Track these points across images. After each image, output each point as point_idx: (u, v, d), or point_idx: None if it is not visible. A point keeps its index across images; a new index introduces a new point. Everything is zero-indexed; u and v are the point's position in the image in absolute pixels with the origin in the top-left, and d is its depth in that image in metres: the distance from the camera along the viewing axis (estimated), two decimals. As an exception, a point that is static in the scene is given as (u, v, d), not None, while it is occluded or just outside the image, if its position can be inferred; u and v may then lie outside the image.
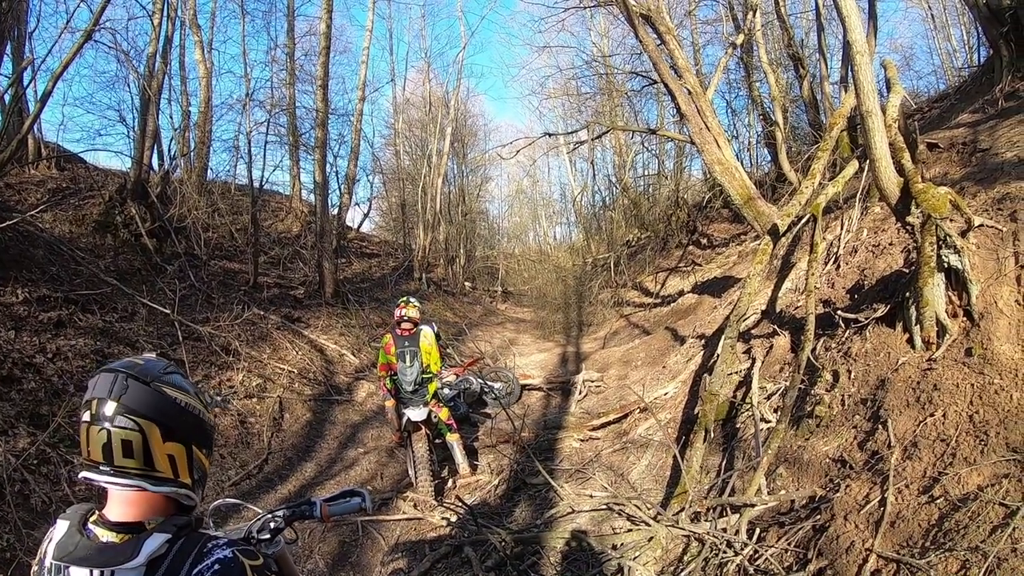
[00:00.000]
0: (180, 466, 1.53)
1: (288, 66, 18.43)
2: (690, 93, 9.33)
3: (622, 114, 20.36)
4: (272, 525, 2.26)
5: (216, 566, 1.39)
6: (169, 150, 16.95)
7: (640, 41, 9.57)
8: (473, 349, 13.75)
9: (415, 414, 6.83)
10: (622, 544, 4.53)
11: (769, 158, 15.79)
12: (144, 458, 1.45)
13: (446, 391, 8.72)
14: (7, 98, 9.94)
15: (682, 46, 10.70)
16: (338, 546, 6.04)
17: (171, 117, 18.53)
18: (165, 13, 13.85)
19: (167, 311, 9.63)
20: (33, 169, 13.99)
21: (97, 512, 1.50)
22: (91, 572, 1.39)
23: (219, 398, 1.54)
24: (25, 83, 11.88)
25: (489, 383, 9.88)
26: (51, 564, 1.43)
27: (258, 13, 30.95)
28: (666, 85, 9.51)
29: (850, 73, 5.42)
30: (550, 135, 18.31)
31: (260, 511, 2.37)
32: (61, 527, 1.48)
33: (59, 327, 8.00)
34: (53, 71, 9.15)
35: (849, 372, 4.77)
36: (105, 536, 1.44)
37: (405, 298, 7.35)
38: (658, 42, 9.72)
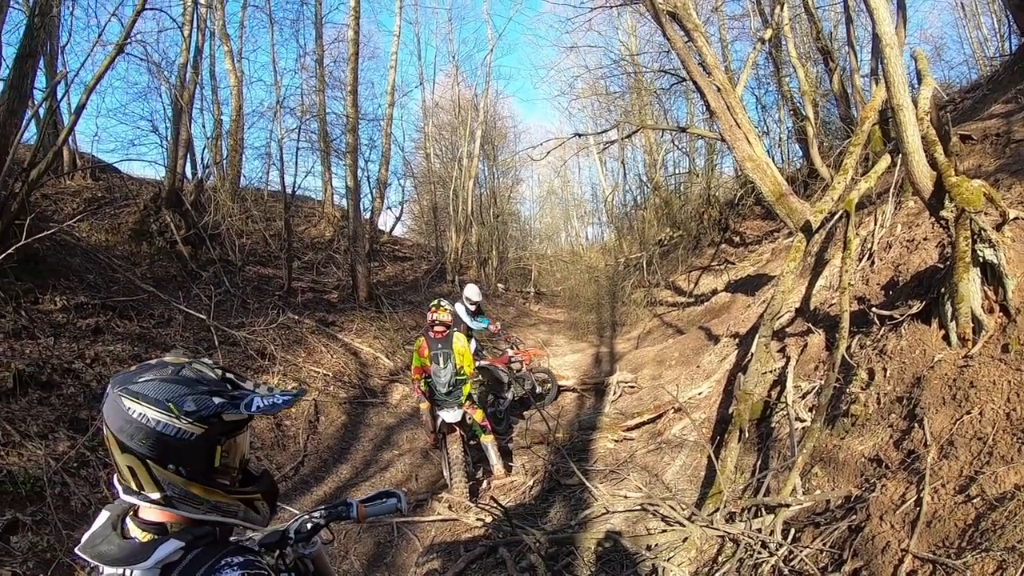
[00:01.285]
0: (141, 478, 1.48)
1: (317, 73, 18.70)
2: (719, 90, 9.26)
3: (652, 113, 20.24)
4: (309, 526, 2.31)
5: None
6: (202, 158, 17.32)
7: (668, 39, 9.53)
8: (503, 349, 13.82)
9: (449, 416, 6.87)
10: (656, 545, 4.53)
11: (800, 154, 15.58)
12: (115, 465, 1.48)
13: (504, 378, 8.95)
14: (42, 111, 10.20)
15: (710, 42, 10.62)
16: (374, 547, 6.12)
17: (203, 126, 18.82)
18: (195, 24, 14.15)
19: (203, 316, 9.89)
20: (69, 180, 14.39)
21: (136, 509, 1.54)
22: (100, 568, 1.45)
23: (262, 402, 1.42)
24: (59, 96, 12.18)
25: (536, 379, 9.92)
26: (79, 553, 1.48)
27: (286, 22, 31.36)
28: (695, 82, 9.46)
29: (880, 66, 5.35)
30: (580, 135, 18.26)
31: (297, 512, 2.43)
32: (100, 519, 1.55)
33: (97, 333, 8.23)
34: (86, 84, 9.43)
35: (884, 370, 4.71)
36: (135, 532, 1.50)
37: (437, 301, 7.40)
38: (686, 39, 9.66)
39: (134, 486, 1.48)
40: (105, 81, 11.17)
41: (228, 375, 1.61)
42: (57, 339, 7.59)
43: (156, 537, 1.48)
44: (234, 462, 1.60)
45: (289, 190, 16.19)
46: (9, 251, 6.23)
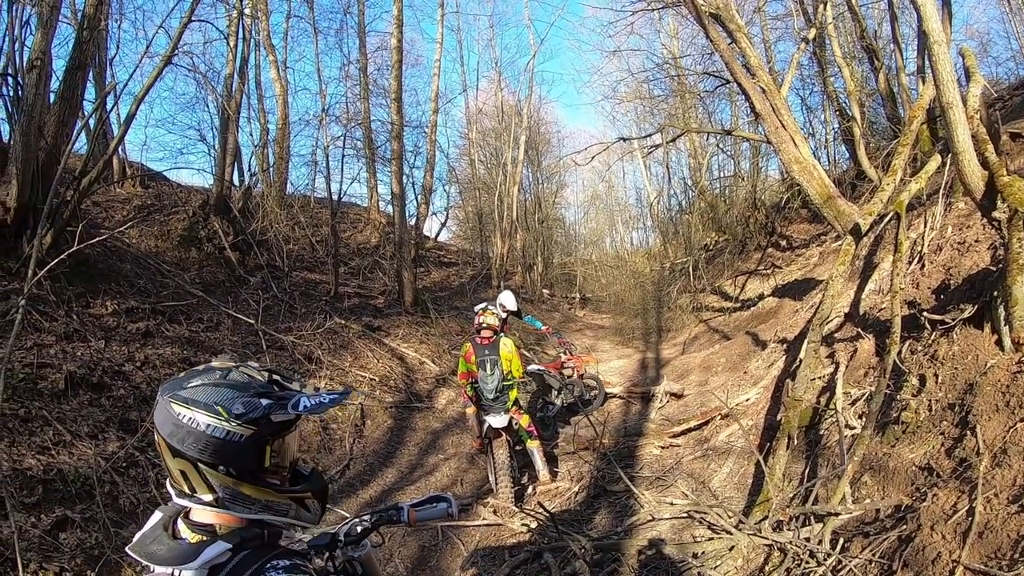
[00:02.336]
0: (194, 481, 1.53)
1: (362, 81, 18.93)
2: (764, 91, 9.14)
3: (696, 116, 20.03)
4: (359, 529, 2.38)
5: None
6: (249, 166, 17.66)
7: (711, 40, 9.44)
8: (555, 354, 13.80)
9: (496, 421, 6.87)
10: (703, 553, 4.51)
11: (847, 155, 15.15)
12: (167, 470, 1.55)
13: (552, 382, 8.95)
14: (92, 122, 10.50)
15: (753, 43, 10.49)
16: (418, 550, 6.16)
17: (250, 134, 19.37)
18: (240, 35, 14.42)
19: (251, 321, 10.11)
20: (119, 188, 14.80)
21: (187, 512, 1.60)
22: (151, 567, 1.49)
23: (309, 402, 1.43)
24: (109, 107, 12.55)
25: (585, 385, 9.92)
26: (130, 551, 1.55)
27: (330, 31, 31.88)
28: (739, 84, 9.35)
29: (927, 63, 5.26)
30: (624, 140, 18.20)
31: (346, 515, 2.49)
32: (152, 520, 1.61)
33: (147, 337, 8.44)
34: (135, 95, 9.57)
35: (936, 376, 4.61)
36: (185, 534, 1.55)
37: (484, 305, 7.45)
38: (729, 41, 9.57)
39: (187, 489, 1.54)
40: (153, 92, 11.49)
41: (275, 377, 1.66)
42: (108, 342, 7.79)
43: (205, 539, 1.53)
44: (284, 462, 1.65)
45: (335, 197, 16.49)
46: (61, 256, 6.42)
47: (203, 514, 1.58)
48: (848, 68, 13.68)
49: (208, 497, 1.54)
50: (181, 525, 1.58)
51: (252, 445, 1.54)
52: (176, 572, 1.48)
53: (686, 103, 19.46)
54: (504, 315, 9.79)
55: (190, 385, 1.54)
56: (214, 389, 1.53)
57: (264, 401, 1.54)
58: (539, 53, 29.74)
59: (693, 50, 18.35)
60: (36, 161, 7.85)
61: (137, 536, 1.58)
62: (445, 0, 22.34)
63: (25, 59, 8.01)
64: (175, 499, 1.59)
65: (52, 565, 4.59)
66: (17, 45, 8.27)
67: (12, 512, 4.65)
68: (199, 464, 1.51)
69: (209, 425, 1.49)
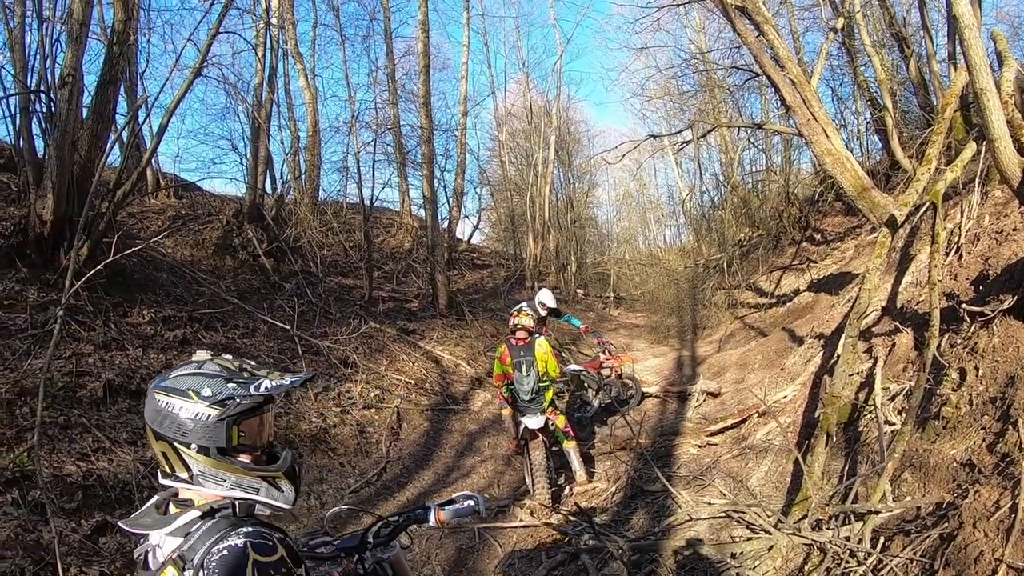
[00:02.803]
0: (172, 461, 1.72)
1: (390, 86, 19.10)
2: (794, 83, 9.02)
3: (726, 110, 19.85)
4: (387, 530, 2.40)
5: (224, 551, 1.55)
6: (281, 174, 17.93)
7: (738, 34, 9.36)
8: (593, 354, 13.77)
9: (532, 422, 6.82)
10: (741, 553, 4.47)
11: (880, 145, 14.85)
12: (154, 454, 1.77)
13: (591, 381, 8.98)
14: (125, 135, 10.71)
15: (781, 35, 10.33)
16: (455, 552, 6.16)
17: (281, 142, 19.52)
18: (268, 45, 14.67)
19: (287, 327, 10.25)
20: (153, 199, 15.15)
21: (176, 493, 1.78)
22: (146, 536, 1.70)
23: (270, 383, 1.42)
24: (140, 120, 12.84)
25: (622, 384, 9.89)
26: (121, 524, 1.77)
27: (357, 38, 32.11)
28: (768, 77, 9.25)
29: (958, 49, 5.17)
30: (654, 137, 18.08)
31: (375, 516, 2.50)
32: (148, 503, 1.81)
33: (184, 344, 8.59)
34: (166, 107, 9.82)
35: (976, 369, 4.52)
36: (173, 510, 1.74)
37: (519, 307, 7.41)
38: (756, 33, 9.45)
39: (167, 468, 1.75)
40: (184, 104, 11.70)
41: (246, 366, 1.84)
42: (145, 350, 7.96)
43: (183, 511, 1.71)
44: (256, 442, 1.80)
45: (367, 202, 16.63)
46: (98, 267, 6.55)
47: (185, 492, 1.76)
48: (878, 56, 13.43)
49: (184, 475, 1.72)
50: (171, 505, 1.76)
51: (220, 424, 1.70)
52: (159, 539, 1.66)
53: (715, 98, 19.31)
54: (544, 313, 9.80)
55: (171, 376, 1.75)
56: (189, 377, 1.73)
57: (231, 384, 1.73)
58: (566, 53, 29.78)
59: (721, 44, 18.23)
60: (71, 175, 8.03)
61: (133, 515, 1.78)
62: (470, 3, 22.51)
63: (57, 76, 8.23)
64: (160, 480, 1.78)
65: (92, 569, 4.70)
66: (48, 62, 8.52)
67: (52, 517, 4.75)
68: (175, 444, 1.70)
69: (183, 408, 1.69)
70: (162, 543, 1.66)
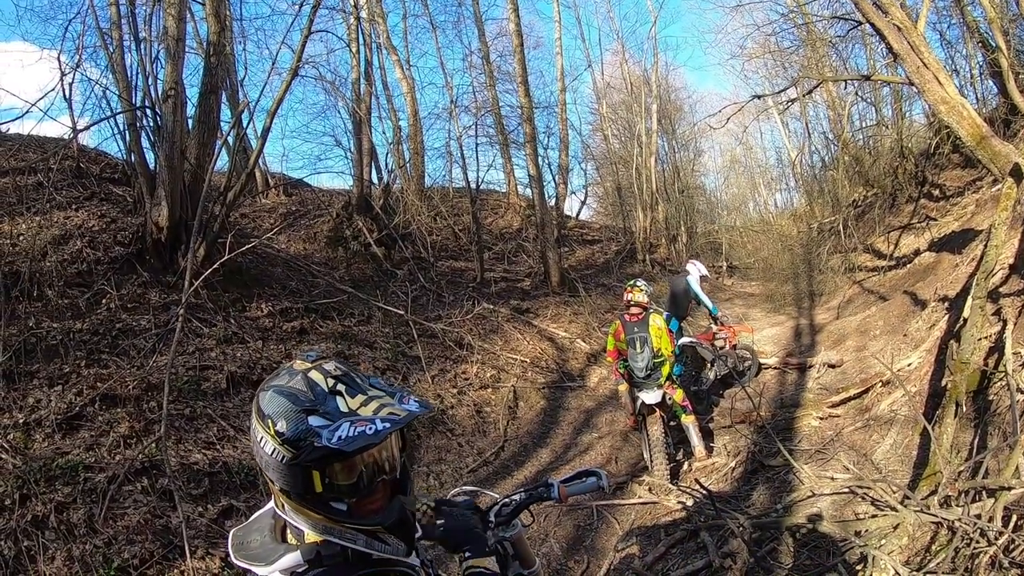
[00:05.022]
0: (271, 489, 1.46)
1: (486, 69, 19.31)
2: (899, 29, 8.51)
3: (830, 64, 18.79)
4: (510, 508, 2.39)
5: None
6: (386, 164, 18.43)
7: (836, -20, 8.94)
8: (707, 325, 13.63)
9: (649, 397, 6.77)
10: (866, 531, 4.40)
11: (995, 90, 13.77)
12: None
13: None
14: (231, 140, 11.33)
15: (882, -22, 9.78)
16: (573, 530, 6.23)
17: (384, 133, 20.22)
18: (360, 41, 15.08)
19: (401, 312, 10.66)
20: (264, 198, 16.09)
21: None
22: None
23: (347, 432, 1.33)
24: (244, 124, 13.62)
25: (738, 356, 9.82)
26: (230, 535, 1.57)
27: (447, 25, 32.41)
28: (872, 24, 8.73)
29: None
30: (758, 97, 17.34)
31: (497, 496, 2.50)
32: (265, 509, 1.61)
33: (302, 334, 9.10)
34: (268, 110, 10.30)
35: (1118, 331, 4.25)
36: (290, 539, 1.51)
37: (632, 281, 7.30)
38: (854, -23, 9.00)
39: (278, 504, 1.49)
40: (285, 105, 12.39)
41: (339, 388, 1.43)
42: (265, 342, 8.42)
43: (293, 543, 1.48)
44: (358, 484, 1.43)
45: (473, 185, 17.01)
46: (215, 267, 7.02)
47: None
48: (986, -8, 12.41)
49: (281, 509, 1.47)
50: (288, 532, 1.53)
51: (296, 468, 1.36)
52: (266, 571, 1.45)
53: (818, 52, 18.35)
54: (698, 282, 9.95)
55: (267, 387, 1.44)
56: (276, 396, 1.40)
57: (311, 420, 1.36)
58: (659, 19, 29.07)
59: (818, -7, 17.32)
60: (182, 182, 8.59)
61: (253, 516, 1.61)
62: (557, -22, 22.33)
63: (160, 91, 8.80)
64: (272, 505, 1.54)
65: (218, 551, 5.03)
66: (151, 79, 9.17)
67: (180, 503, 5.13)
68: (265, 474, 1.43)
69: (262, 437, 1.38)
70: None
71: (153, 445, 5.70)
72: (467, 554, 2.13)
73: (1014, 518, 3.66)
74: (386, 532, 1.47)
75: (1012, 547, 3.42)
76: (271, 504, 1.54)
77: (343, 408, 1.38)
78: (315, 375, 1.43)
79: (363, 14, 15.56)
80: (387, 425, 1.34)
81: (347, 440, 1.31)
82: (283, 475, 1.37)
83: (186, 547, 4.78)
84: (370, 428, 1.33)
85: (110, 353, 6.91)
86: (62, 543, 4.59)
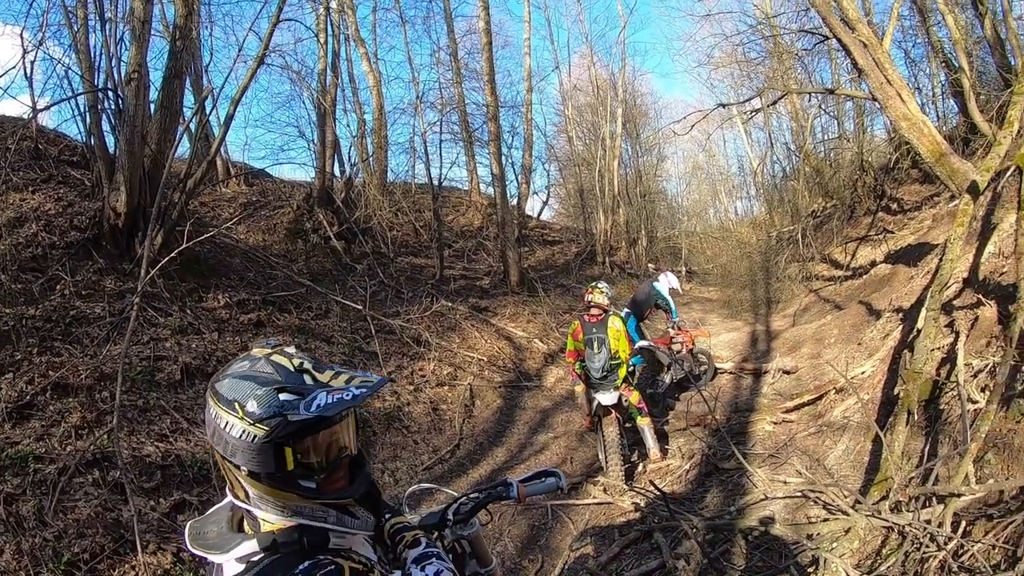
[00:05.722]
0: (229, 478, 1.48)
1: (453, 66, 19.27)
2: (865, 46, 8.66)
3: (795, 76, 19.14)
4: (468, 506, 2.38)
5: None
6: (349, 157, 18.44)
7: (805, -5, 9.06)
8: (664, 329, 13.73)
9: (606, 398, 6.81)
10: (818, 534, 4.43)
11: (956, 109, 14.18)
12: None
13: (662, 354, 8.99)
14: (193, 126, 11.09)
15: (850, -5, 9.95)
16: (528, 529, 6.20)
17: (348, 126, 19.97)
18: (329, 31, 14.99)
19: (359, 307, 10.48)
20: (224, 187, 15.79)
21: None
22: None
23: (327, 398, 1.42)
24: (208, 111, 13.34)
25: (695, 359, 9.85)
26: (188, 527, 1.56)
27: (417, 20, 32.25)
28: (838, 39, 8.90)
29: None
30: (723, 106, 17.55)
31: (455, 494, 2.48)
32: (223, 503, 1.60)
33: (258, 327, 8.92)
34: (232, 98, 10.18)
35: (1066, 344, 4.34)
36: (246, 528, 1.52)
37: (593, 283, 7.33)
38: (823, -7, 9.13)
39: (229, 485, 1.50)
40: (250, 93, 12.16)
41: (307, 365, 1.48)
42: (221, 334, 8.25)
43: (249, 533, 1.49)
44: (323, 461, 1.46)
45: (435, 181, 16.91)
46: (172, 255, 6.85)
47: (254, 511, 1.49)
48: (951, 15, 12.66)
49: (243, 496, 1.47)
50: (245, 522, 1.55)
51: (268, 446, 1.38)
52: (223, 559, 1.46)
53: (784, 64, 18.65)
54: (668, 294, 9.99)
55: (223, 376, 1.45)
56: (238, 382, 1.41)
57: (282, 397, 1.38)
58: (629, 24, 29.32)
59: (787, 7, 17.64)
60: (142, 167, 8.36)
61: (210, 510, 1.60)
62: (530, -22, 22.35)
63: (123, 73, 8.57)
64: (227, 495, 1.54)
65: (170, 546, 4.88)
66: (114, 61, 8.88)
67: (132, 496, 4.97)
68: (228, 463, 1.43)
69: (227, 422, 1.38)
70: (225, 566, 1.46)
71: (105, 436, 5.51)
72: (387, 515, 2.08)
73: (963, 524, 3.71)
74: (355, 505, 1.51)
75: (961, 552, 3.47)
76: (228, 499, 1.55)
77: (312, 383, 1.44)
78: (278, 358, 1.48)
79: (332, 4, 15.42)
80: (363, 390, 1.43)
81: (326, 407, 1.38)
82: (254, 456, 1.38)
83: (138, 541, 4.63)
84: (347, 394, 1.41)
85: (63, 341, 6.70)
86: (11, 536, 4.39)
